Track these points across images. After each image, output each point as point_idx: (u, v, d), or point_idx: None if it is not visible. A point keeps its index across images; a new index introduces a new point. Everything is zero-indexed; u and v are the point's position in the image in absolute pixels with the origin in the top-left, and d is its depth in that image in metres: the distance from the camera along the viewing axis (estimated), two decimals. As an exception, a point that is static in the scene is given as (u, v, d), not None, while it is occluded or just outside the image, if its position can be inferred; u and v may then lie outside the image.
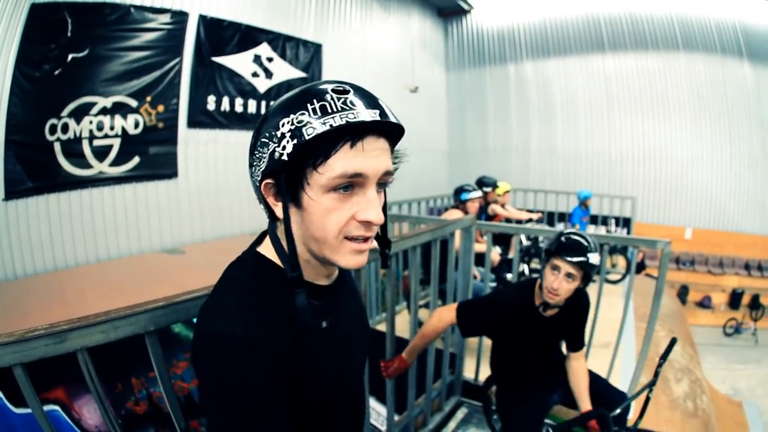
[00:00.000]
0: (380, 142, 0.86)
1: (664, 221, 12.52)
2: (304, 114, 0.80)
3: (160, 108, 6.25)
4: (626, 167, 12.74)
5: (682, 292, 12.23)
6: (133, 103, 5.92)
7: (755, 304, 11.94)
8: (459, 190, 5.10)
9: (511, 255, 5.70)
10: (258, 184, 0.90)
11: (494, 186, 6.28)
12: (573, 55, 13.01)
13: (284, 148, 0.82)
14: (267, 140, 0.84)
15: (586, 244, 2.24)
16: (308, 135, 0.79)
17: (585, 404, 2.50)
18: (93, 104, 5.53)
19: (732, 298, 12.19)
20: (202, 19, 6.51)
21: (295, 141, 0.80)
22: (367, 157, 0.83)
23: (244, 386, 0.82)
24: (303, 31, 8.43)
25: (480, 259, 4.39)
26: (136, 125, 6.02)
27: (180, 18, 6.23)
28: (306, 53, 8.47)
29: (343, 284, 1.11)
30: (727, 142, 11.85)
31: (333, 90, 0.82)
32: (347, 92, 0.82)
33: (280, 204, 0.89)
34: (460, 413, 3.67)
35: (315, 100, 0.81)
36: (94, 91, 5.52)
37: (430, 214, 8.73)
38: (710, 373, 7.92)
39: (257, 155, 0.87)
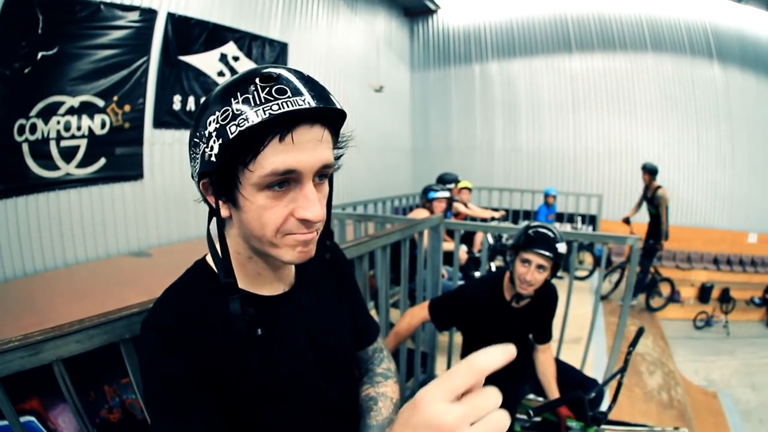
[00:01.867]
0: (315, 132, 0.83)
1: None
2: (228, 110, 0.78)
3: (127, 108, 6.35)
4: (592, 165, 13.29)
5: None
6: (100, 102, 6.02)
7: (725, 297, 12.52)
8: (426, 189, 5.30)
9: (476, 252, 5.97)
10: (197, 184, 0.90)
11: (456, 182, 6.54)
12: (539, 55, 13.50)
13: (212, 148, 0.80)
14: (198, 140, 0.84)
15: (552, 235, 2.40)
16: (231, 134, 0.77)
17: (553, 393, 2.66)
18: (61, 104, 5.61)
19: (701, 292, 12.77)
20: (171, 16, 6.65)
21: (220, 141, 0.79)
22: (299, 150, 0.81)
23: (166, 377, 0.86)
24: (270, 30, 8.66)
25: (446, 257, 4.55)
26: (103, 125, 6.11)
27: (149, 15, 6.36)
28: (272, 52, 8.69)
29: (300, 293, 1.10)
30: (694, 140, 12.46)
31: (260, 79, 0.79)
32: (274, 79, 0.79)
33: (220, 203, 0.89)
34: None
35: (239, 93, 0.79)
36: (62, 90, 5.59)
37: (395, 214, 8.99)
38: (682, 365, 8.27)
39: (192, 154, 0.87)
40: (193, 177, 0.91)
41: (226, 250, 0.92)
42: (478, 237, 6.37)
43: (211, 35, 7.38)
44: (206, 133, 0.81)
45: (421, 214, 5.02)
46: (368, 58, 12.01)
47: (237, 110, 0.77)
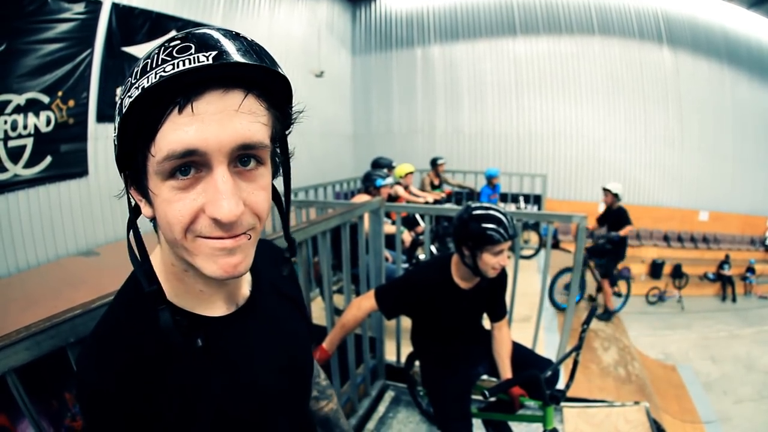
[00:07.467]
0: (230, 99, 0.67)
1: (576, 197, 13.97)
2: (128, 81, 0.68)
3: (71, 103, 6.52)
4: (536, 146, 14.15)
5: (600, 265, 13.40)
6: (45, 99, 6.17)
7: (678, 273, 13.52)
8: (372, 177, 5.54)
9: (420, 236, 6.26)
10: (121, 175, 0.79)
11: (390, 167, 6.99)
12: (482, 39, 14.23)
13: (115, 129, 0.70)
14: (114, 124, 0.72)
15: (507, 220, 2.44)
16: (124, 108, 0.66)
17: (506, 373, 2.74)
18: (8, 102, 5.74)
19: (652, 269, 13.75)
20: (115, 6, 6.87)
21: (118, 119, 0.68)
22: (204, 123, 0.66)
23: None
24: (212, 18, 9.02)
25: (389, 241, 4.77)
26: (48, 122, 6.25)
27: (93, 7, 6.57)
28: (213, 40, 8.92)
29: (255, 311, 0.97)
30: (641, 121, 13.43)
31: (172, 39, 0.67)
32: (181, 39, 0.67)
33: (143, 200, 0.77)
34: (388, 396, 4.02)
35: (142, 60, 0.67)
36: (9, 88, 5.73)
37: (337, 199, 9.41)
38: (637, 340, 8.74)
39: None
40: None
41: (144, 252, 0.82)
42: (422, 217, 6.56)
43: (154, 25, 7.63)
44: (115, 114, 0.71)
45: (362, 199, 5.21)
46: (309, 44, 12.55)
47: (134, 79, 0.66)
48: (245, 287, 0.97)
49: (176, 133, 0.65)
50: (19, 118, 5.89)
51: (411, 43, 14.97)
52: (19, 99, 5.85)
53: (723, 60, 13.12)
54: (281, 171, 0.88)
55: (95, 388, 0.77)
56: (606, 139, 13.65)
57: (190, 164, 0.68)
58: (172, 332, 0.76)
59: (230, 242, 0.72)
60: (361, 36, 15.33)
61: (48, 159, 6.32)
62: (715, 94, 13.23)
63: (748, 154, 13.51)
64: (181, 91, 0.64)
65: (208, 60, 0.63)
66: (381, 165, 6.79)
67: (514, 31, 13.84)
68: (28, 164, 6.10)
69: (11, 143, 5.85)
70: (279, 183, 0.91)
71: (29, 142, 6.06)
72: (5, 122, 5.74)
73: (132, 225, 0.81)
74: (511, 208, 9.90)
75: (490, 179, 8.85)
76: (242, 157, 0.71)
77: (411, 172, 7.52)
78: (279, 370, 0.98)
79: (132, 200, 0.81)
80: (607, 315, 7.19)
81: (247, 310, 0.94)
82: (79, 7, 6.39)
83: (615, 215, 7.04)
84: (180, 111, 0.65)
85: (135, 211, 0.81)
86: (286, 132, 0.84)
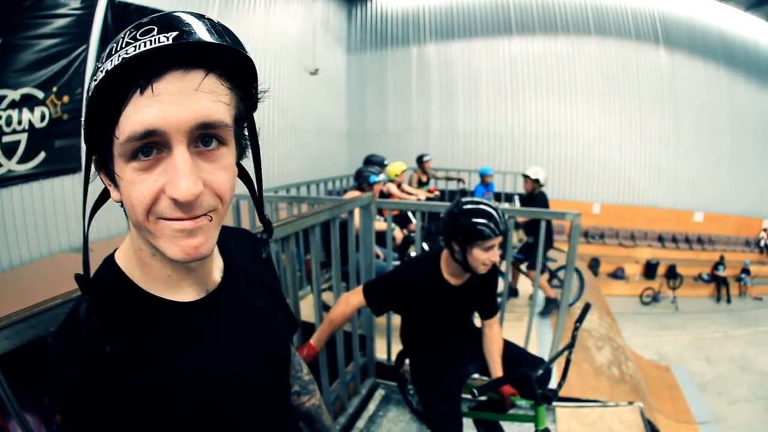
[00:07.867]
0: (191, 79, 0.68)
1: (570, 197, 13.95)
2: (97, 66, 0.69)
3: (65, 99, 6.53)
4: (530, 145, 14.17)
5: (593, 264, 13.57)
6: (40, 94, 6.18)
7: (672, 273, 13.56)
8: (365, 174, 5.48)
9: (412, 233, 6.19)
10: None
11: (382, 164, 6.97)
12: (478, 38, 14.26)
13: (83, 114, 0.71)
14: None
15: (498, 215, 2.41)
16: (90, 92, 0.68)
17: (497, 371, 2.70)
18: (3, 97, 5.75)
19: (646, 269, 13.81)
20: (111, 3, 6.89)
21: (86, 103, 0.70)
22: (164, 103, 0.67)
23: (77, 424, 0.78)
24: (207, 15, 8.78)
25: (380, 237, 4.74)
26: (42, 118, 6.26)
27: (89, 3, 6.60)
28: (207, 38, 8.97)
29: (226, 296, 0.95)
30: (637, 122, 13.47)
31: (136, 23, 0.67)
32: (147, 21, 0.67)
33: (111, 185, 0.78)
34: (378, 394, 3.95)
35: (110, 45, 0.68)
36: (4, 83, 5.74)
37: (329, 195, 9.36)
38: (631, 340, 8.63)
39: None
40: None
41: (86, 242, 0.83)
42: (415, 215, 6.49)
43: (150, 22, 7.56)
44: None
45: (354, 196, 5.04)
46: (305, 42, 12.55)
47: (100, 63, 0.67)
48: (216, 273, 0.96)
49: (138, 114, 0.66)
50: (14, 113, 5.89)
51: (406, 41, 15.01)
52: (14, 94, 5.86)
53: (720, 61, 13.18)
54: (251, 152, 0.88)
55: (67, 376, 0.77)
56: (601, 139, 13.69)
57: (151, 145, 0.69)
58: (81, 328, 0.76)
59: (190, 223, 0.73)
60: (357, 34, 15.36)
61: (42, 155, 6.33)
62: (712, 95, 13.27)
63: (744, 156, 13.55)
64: (142, 73, 0.65)
65: (168, 40, 0.64)
66: (373, 162, 6.78)
67: (509, 30, 13.88)
68: (22, 160, 6.10)
69: (5, 138, 5.86)
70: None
71: (23, 138, 6.07)
72: (0, 117, 5.75)
73: (91, 214, 0.81)
74: (505, 206, 9.87)
75: (484, 177, 8.81)
76: (203, 137, 0.72)
77: (404, 170, 7.43)
78: (251, 358, 0.97)
79: (87, 192, 0.79)
80: (548, 307, 6.14)
81: (217, 296, 0.93)
82: (75, 3, 6.41)
83: (533, 202, 6.73)
84: (141, 92, 0.66)
85: (99, 200, 0.84)
86: (252, 112, 0.83)
